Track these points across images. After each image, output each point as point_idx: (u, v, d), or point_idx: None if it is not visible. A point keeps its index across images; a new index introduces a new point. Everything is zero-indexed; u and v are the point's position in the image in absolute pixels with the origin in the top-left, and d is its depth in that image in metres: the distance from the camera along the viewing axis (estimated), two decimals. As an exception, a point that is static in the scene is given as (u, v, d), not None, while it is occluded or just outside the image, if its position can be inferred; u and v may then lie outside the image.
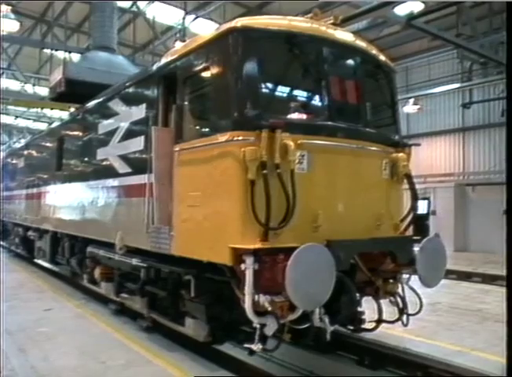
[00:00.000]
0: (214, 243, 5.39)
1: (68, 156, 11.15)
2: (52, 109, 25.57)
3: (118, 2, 15.25)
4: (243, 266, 4.97)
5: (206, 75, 5.86)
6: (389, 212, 6.29)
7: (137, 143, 7.33)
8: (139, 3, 21.04)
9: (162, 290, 6.74)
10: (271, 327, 5.15)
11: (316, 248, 4.89)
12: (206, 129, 5.94)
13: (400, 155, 6.40)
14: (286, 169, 5.15)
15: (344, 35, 6.31)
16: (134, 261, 7.32)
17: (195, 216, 5.77)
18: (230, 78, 5.41)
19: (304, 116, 5.71)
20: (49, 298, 9.92)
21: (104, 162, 8.72)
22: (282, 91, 5.87)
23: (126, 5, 20.40)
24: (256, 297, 5.00)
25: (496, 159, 23.04)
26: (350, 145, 5.79)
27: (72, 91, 11.88)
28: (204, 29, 21.47)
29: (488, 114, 23.85)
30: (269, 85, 5.66)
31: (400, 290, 6.29)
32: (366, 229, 5.93)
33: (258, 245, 4.99)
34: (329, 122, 5.74)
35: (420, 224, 6.74)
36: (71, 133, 11.13)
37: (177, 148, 6.23)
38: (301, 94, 6.01)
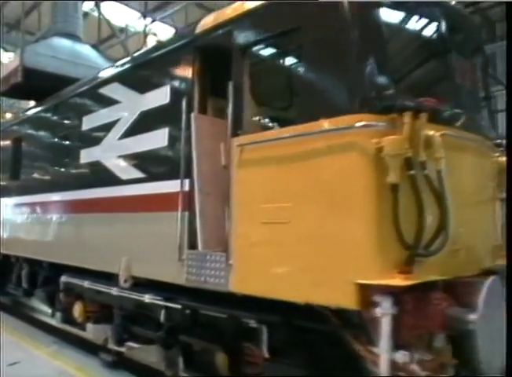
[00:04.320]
0: (321, 277, 3.68)
1: (30, 161, 8.89)
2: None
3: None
4: (378, 311, 3.35)
5: (295, 40, 4.13)
6: None
7: (157, 138, 5.46)
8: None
9: (208, 343, 4.82)
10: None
11: (497, 283, 3.35)
12: (296, 114, 4.21)
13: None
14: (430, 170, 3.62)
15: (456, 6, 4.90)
16: (148, 298, 5.40)
17: (277, 237, 4.01)
18: (352, 42, 3.76)
19: (435, 101, 4.14)
20: (8, 343, 7.44)
21: (93, 167, 6.69)
22: (408, 67, 4.27)
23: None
24: (397, 355, 3.38)
25: None
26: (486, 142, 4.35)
27: (30, 83, 9.72)
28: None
29: None
30: (397, 57, 4.08)
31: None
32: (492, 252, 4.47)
33: (406, 281, 3.37)
34: (461, 110, 4.25)
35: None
36: (35, 131, 8.88)
37: (236, 143, 4.45)
38: (428, 73, 4.43)
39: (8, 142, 9.85)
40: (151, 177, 5.53)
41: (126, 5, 19.59)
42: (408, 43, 4.24)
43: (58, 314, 7.55)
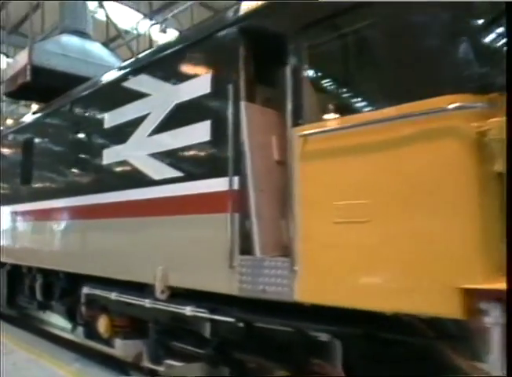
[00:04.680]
0: (413, 282, 3.19)
1: (42, 164, 8.30)
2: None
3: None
4: (488, 320, 2.89)
5: (367, 16, 3.64)
6: None
7: (197, 132, 4.92)
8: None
9: (269, 360, 4.30)
10: None
11: None
12: (371, 99, 3.72)
13: None
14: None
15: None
16: (190, 311, 4.87)
17: (355, 239, 3.50)
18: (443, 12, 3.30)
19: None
20: (26, 361, 6.80)
21: (119, 167, 6.16)
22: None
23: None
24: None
25: None
26: None
27: (39, 83, 9.16)
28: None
29: None
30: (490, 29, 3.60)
31: None
32: None
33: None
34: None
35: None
36: (49, 132, 8.32)
37: (298, 133, 3.94)
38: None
39: (18, 145, 9.27)
40: (191, 176, 4.98)
41: (127, 5, 19.16)
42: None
43: (80, 329, 6.96)
